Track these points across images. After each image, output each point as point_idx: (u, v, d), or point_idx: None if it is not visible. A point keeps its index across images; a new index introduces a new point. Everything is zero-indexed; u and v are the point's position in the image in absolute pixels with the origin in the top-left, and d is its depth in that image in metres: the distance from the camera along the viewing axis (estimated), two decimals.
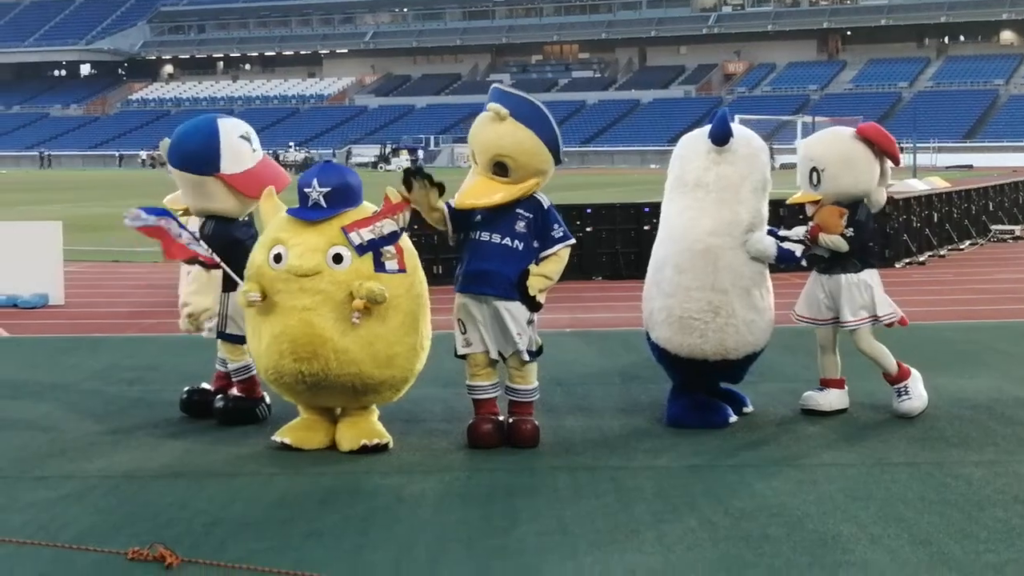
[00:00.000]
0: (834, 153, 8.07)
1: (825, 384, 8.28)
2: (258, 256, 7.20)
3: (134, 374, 10.06)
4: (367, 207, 7.24)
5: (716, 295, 7.69)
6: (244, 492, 6.53)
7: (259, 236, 7.44)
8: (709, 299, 7.68)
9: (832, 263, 8.09)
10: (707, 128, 7.92)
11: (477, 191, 7.33)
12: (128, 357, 11.00)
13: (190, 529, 5.87)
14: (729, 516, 5.99)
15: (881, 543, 5.56)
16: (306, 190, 7.16)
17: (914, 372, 8.12)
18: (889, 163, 8.24)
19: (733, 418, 7.94)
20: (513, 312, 7.30)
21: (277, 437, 7.37)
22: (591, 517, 6.01)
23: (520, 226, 7.36)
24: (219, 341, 8.11)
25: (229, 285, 7.81)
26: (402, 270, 7.16)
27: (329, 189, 7.12)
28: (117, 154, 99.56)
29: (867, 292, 8.05)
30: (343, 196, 7.16)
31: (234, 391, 8.16)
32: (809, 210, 8.23)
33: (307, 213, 7.15)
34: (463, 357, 7.45)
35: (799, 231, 8.06)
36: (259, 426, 7.95)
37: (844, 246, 7.97)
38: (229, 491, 6.55)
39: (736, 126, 7.91)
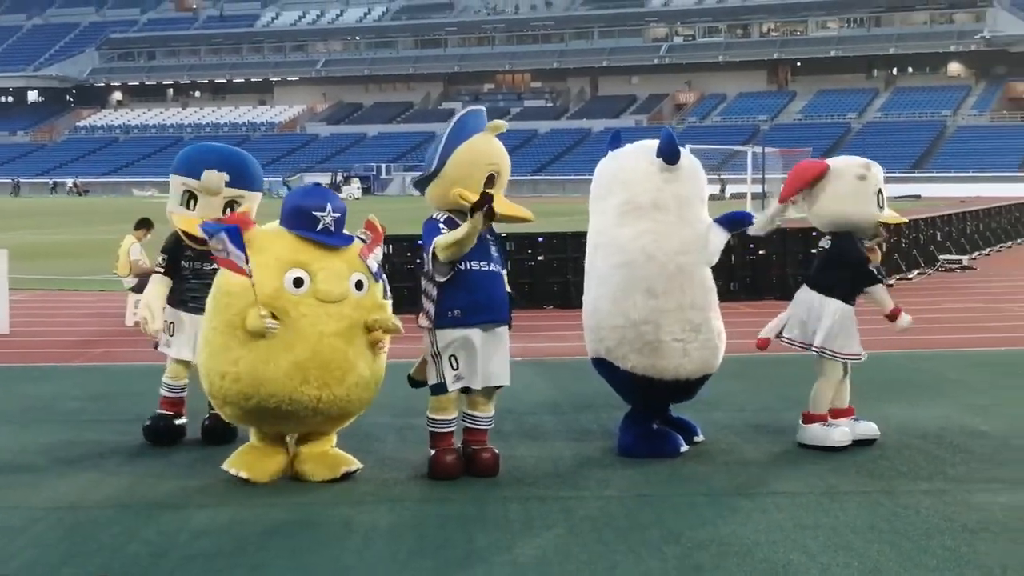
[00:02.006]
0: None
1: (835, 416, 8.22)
2: (272, 280, 6.97)
3: (80, 404, 9.95)
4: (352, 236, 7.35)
5: (695, 313, 7.69)
6: (191, 523, 6.46)
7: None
8: (690, 318, 7.68)
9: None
10: (645, 147, 7.89)
11: (513, 205, 7.43)
12: (74, 387, 10.87)
13: (136, 561, 5.80)
14: (680, 546, 5.98)
15: (831, 572, 5.57)
16: (318, 214, 7.09)
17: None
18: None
19: (684, 448, 7.93)
20: (507, 336, 7.41)
21: (231, 469, 7.22)
22: (542, 548, 5.98)
23: (495, 251, 7.42)
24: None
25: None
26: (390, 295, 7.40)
27: (340, 215, 7.17)
28: (50, 182, 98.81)
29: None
30: (344, 223, 7.25)
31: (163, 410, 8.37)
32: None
33: (329, 238, 7.12)
34: (441, 392, 7.33)
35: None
36: (204, 455, 7.87)
37: None
38: (176, 522, 6.47)
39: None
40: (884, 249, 8.24)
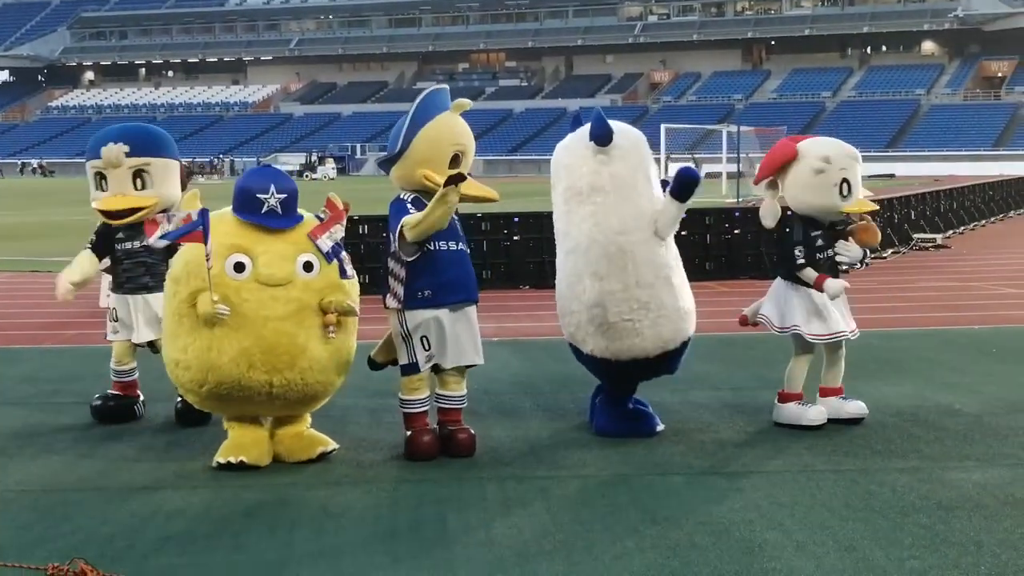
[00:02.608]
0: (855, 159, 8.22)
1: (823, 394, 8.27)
2: (213, 267, 6.86)
3: (52, 386, 9.90)
4: (307, 215, 7.20)
5: (642, 291, 7.63)
6: (166, 506, 6.43)
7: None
8: (637, 296, 7.63)
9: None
10: (583, 132, 7.85)
11: (479, 185, 7.38)
12: (46, 368, 10.82)
13: (111, 544, 5.77)
14: (656, 525, 5.99)
15: (806, 550, 5.58)
16: (261, 196, 7.00)
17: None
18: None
19: (660, 427, 7.94)
20: (475, 315, 7.39)
21: (226, 458, 7.07)
22: (519, 527, 5.98)
23: (459, 230, 7.40)
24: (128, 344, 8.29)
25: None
26: (353, 275, 7.26)
27: (286, 196, 7.05)
28: (19, 163, 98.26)
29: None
30: (294, 203, 7.12)
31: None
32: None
33: (272, 220, 7.01)
34: (412, 372, 7.30)
35: (852, 250, 8.07)
36: (179, 438, 7.85)
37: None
38: (151, 505, 6.44)
39: (612, 122, 7.76)
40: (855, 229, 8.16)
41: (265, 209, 7.00)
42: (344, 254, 7.25)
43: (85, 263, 8.25)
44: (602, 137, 7.63)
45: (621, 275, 7.60)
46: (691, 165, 7.99)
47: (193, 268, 6.94)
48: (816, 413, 8.01)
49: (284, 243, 7.01)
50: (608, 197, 7.62)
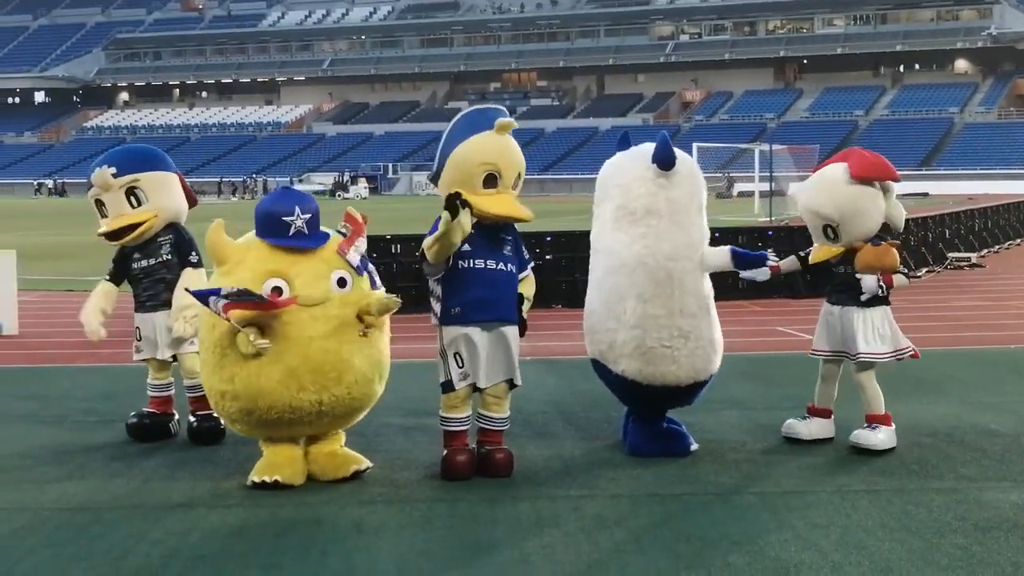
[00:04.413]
0: (842, 208, 7.90)
1: (812, 413, 8.23)
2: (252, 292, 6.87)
3: (88, 404, 9.96)
4: (330, 232, 7.24)
5: (685, 320, 7.66)
6: (201, 524, 6.45)
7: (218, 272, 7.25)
8: (679, 325, 7.65)
9: (847, 295, 8.01)
10: (642, 152, 7.87)
11: (507, 204, 7.31)
12: (82, 387, 10.88)
13: (147, 562, 5.79)
14: (690, 544, 5.97)
15: (842, 571, 5.55)
16: (287, 218, 7.02)
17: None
18: (890, 182, 8.21)
19: (694, 446, 7.92)
20: (513, 336, 7.34)
21: (264, 477, 7.06)
22: (552, 547, 5.96)
23: (507, 250, 7.37)
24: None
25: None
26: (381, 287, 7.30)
27: (311, 215, 7.09)
28: (35, 183, 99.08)
29: (886, 325, 8.02)
30: (319, 222, 7.17)
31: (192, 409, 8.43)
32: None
33: (301, 241, 7.04)
34: (449, 390, 7.30)
35: (863, 282, 7.89)
36: (213, 456, 7.87)
37: (907, 281, 8.11)
38: (186, 523, 6.46)
39: (675, 149, 7.83)
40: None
41: (292, 231, 7.03)
42: (371, 266, 7.31)
43: (103, 295, 8.38)
44: (666, 161, 7.68)
45: (667, 301, 7.62)
46: (770, 261, 8.03)
47: None
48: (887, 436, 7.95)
49: (316, 262, 7.04)
50: (662, 221, 7.65)
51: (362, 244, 7.25)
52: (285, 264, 7.01)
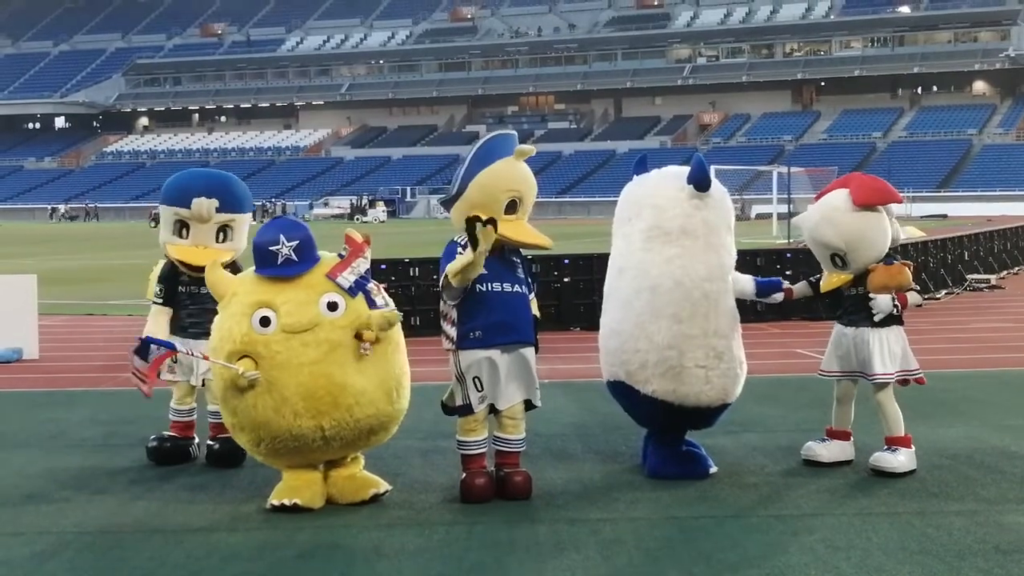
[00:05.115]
0: (848, 237, 7.91)
1: (831, 435, 8.22)
2: (239, 326, 6.99)
3: (109, 428, 9.99)
4: (327, 255, 7.25)
5: (719, 340, 7.68)
6: (222, 547, 6.46)
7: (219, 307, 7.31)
8: (714, 345, 7.67)
9: (860, 316, 7.99)
10: (675, 173, 7.91)
11: (529, 232, 7.41)
12: (103, 411, 10.92)
13: None
14: (710, 568, 5.96)
15: None
16: (273, 248, 7.06)
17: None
18: (893, 205, 8.20)
19: (713, 469, 7.91)
20: (531, 356, 7.38)
21: (283, 500, 7.08)
22: (572, 570, 5.96)
23: (519, 272, 7.41)
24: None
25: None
26: (387, 304, 7.23)
27: (297, 242, 7.10)
28: (48, 207, 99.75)
29: (899, 345, 8.01)
30: (310, 247, 7.16)
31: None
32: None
33: (289, 269, 7.07)
34: (468, 413, 7.32)
35: (876, 303, 7.88)
36: (233, 479, 7.89)
37: (920, 300, 8.10)
38: (206, 546, 6.47)
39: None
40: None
41: (281, 260, 7.07)
42: (371, 285, 7.21)
43: (163, 320, 8.34)
44: (703, 182, 7.74)
45: (702, 322, 7.63)
46: (783, 285, 8.13)
47: (225, 334, 7.06)
48: (907, 458, 7.92)
49: (302, 288, 7.05)
50: (697, 242, 7.69)
51: (361, 265, 7.19)
52: (271, 293, 7.04)
